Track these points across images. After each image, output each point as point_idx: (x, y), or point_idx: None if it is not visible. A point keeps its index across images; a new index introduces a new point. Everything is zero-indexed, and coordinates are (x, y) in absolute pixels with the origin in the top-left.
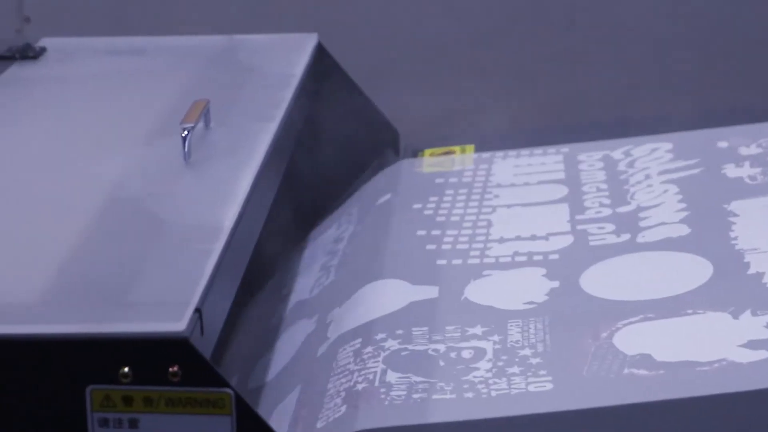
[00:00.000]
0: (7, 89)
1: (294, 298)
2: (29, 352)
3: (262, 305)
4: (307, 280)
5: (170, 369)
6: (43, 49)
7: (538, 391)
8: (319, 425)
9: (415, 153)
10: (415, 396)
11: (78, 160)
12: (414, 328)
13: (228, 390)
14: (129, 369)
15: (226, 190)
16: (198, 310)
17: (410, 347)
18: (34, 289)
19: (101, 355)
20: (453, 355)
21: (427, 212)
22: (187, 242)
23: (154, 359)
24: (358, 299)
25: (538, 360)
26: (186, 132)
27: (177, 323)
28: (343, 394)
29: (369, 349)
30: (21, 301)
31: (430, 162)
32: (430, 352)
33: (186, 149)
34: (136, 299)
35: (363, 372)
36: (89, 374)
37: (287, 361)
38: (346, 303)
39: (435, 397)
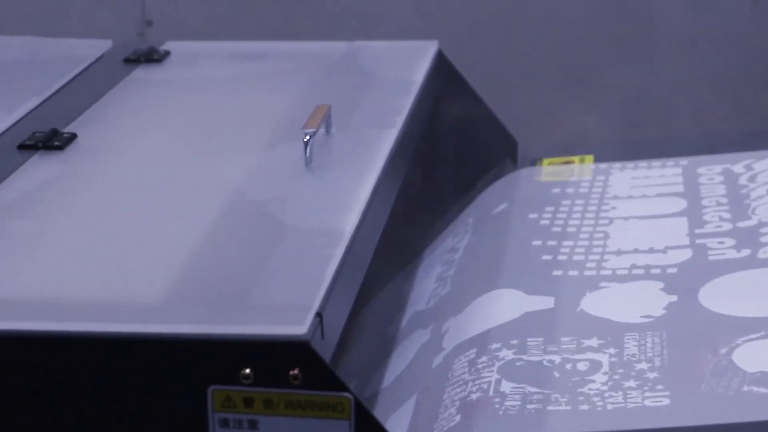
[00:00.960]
0: (133, 92)
1: (410, 307)
2: (153, 351)
3: (379, 312)
4: (423, 290)
5: (291, 372)
6: (167, 53)
7: (654, 405)
8: None
9: (534, 162)
10: (530, 407)
11: (201, 163)
12: (529, 339)
13: (347, 394)
14: (250, 371)
15: (347, 195)
16: (319, 314)
17: (525, 357)
18: (159, 290)
19: (223, 356)
20: (568, 366)
21: (543, 222)
22: (309, 246)
23: (275, 362)
24: (474, 309)
25: (655, 374)
26: (308, 137)
27: (298, 327)
28: (457, 403)
29: (484, 358)
30: (147, 301)
31: (548, 171)
32: (545, 362)
33: (307, 154)
34: (258, 302)
35: (477, 381)
36: (211, 375)
37: (402, 369)
38: (461, 313)
39: (550, 408)
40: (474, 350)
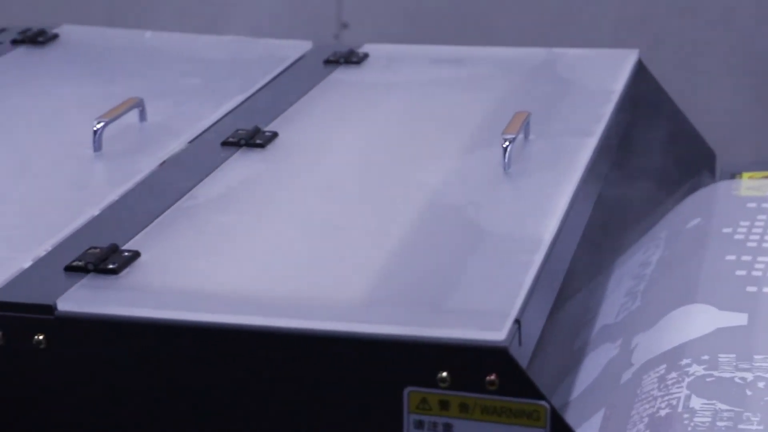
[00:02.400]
0: (332, 92)
1: (599, 321)
2: (353, 350)
3: (569, 322)
4: (613, 305)
5: (488, 378)
6: (365, 55)
7: None
8: None
9: (733, 175)
10: (720, 424)
11: (400, 165)
12: (720, 355)
13: (544, 403)
14: (447, 374)
15: (545, 202)
16: (518, 321)
17: (716, 374)
18: (359, 290)
19: (421, 359)
20: (761, 384)
21: (737, 237)
22: (507, 252)
23: (472, 366)
24: (664, 325)
25: None
26: (507, 143)
27: (497, 333)
28: (646, 419)
29: (673, 374)
30: (346, 301)
31: (747, 185)
32: (736, 380)
33: (506, 159)
34: (457, 306)
35: (666, 398)
36: (408, 376)
37: (590, 383)
38: (651, 329)
39: (741, 426)
40: (664, 366)
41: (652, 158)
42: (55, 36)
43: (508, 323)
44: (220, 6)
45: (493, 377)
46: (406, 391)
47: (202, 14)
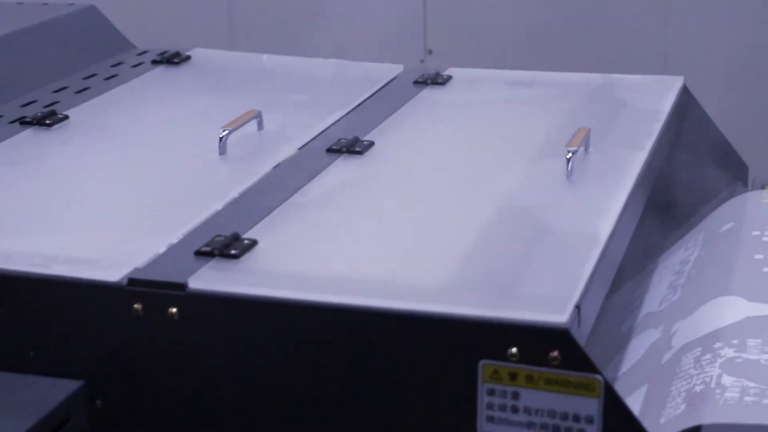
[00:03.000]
0: (421, 109)
1: (644, 309)
2: (436, 327)
3: (618, 309)
4: (656, 296)
5: (551, 354)
6: (449, 77)
7: None
8: (662, 420)
9: (763, 186)
10: (747, 399)
11: (478, 171)
12: (749, 340)
13: (599, 377)
14: (516, 350)
15: (602, 206)
16: (578, 306)
17: (744, 356)
18: (442, 277)
19: (494, 336)
20: None
21: (765, 239)
22: (569, 247)
23: (538, 344)
24: (701, 314)
25: None
26: (570, 154)
27: (560, 316)
28: (683, 394)
29: (707, 356)
30: (432, 286)
31: None
32: (762, 361)
33: (569, 169)
34: (526, 292)
35: (701, 376)
36: (482, 351)
37: (635, 362)
38: (689, 317)
39: (765, 401)
40: (699, 349)
41: (693, 170)
42: (188, 57)
43: (570, 308)
44: (326, 34)
45: (555, 354)
46: (481, 363)
47: (312, 43)
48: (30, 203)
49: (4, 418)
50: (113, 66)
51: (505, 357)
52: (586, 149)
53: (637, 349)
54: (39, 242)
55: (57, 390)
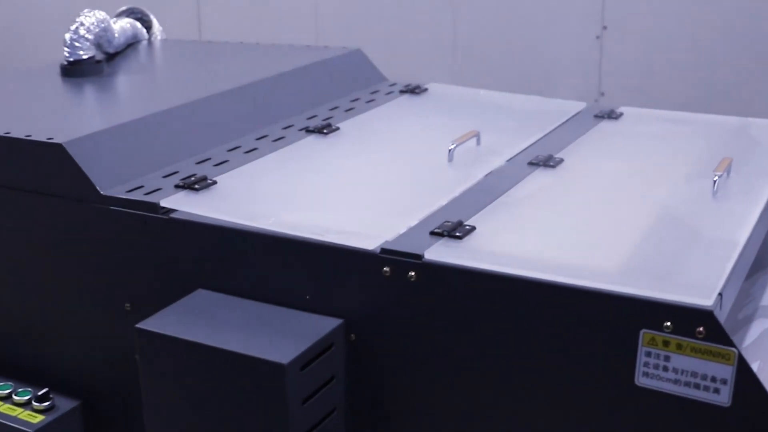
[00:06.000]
0: (598, 136)
1: (760, 302)
2: (609, 302)
3: (743, 300)
4: None
5: (697, 329)
6: (621, 114)
7: None
8: None
9: None
10: None
11: (641, 187)
12: None
13: (734, 349)
14: (670, 323)
15: (741, 218)
16: (720, 294)
17: None
18: (615, 263)
19: (653, 312)
20: None
21: None
22: (714, 248)
23: (688, 321)
24: None
25: None
26: (716, 177)
27: (707, 300)
28: None
29: None
30: (606, 269)
31: None
32: None
33: (714, 188)
34: (680, 280)
35: None
36: (644, 322)
37: (750, 342)
38: None
39: None
40: None
41: None
42: (426, 89)
43: (715, 294)
44: (526, 79)
45: (701, 329)
46: (642, 332)
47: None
48: (311, 189)
49: (287, 340)
50: (372, 93)
51: (661, 328)
52: (728, 174)
53: (752, 333)
54: (318, 218)
55: (325, 324)
